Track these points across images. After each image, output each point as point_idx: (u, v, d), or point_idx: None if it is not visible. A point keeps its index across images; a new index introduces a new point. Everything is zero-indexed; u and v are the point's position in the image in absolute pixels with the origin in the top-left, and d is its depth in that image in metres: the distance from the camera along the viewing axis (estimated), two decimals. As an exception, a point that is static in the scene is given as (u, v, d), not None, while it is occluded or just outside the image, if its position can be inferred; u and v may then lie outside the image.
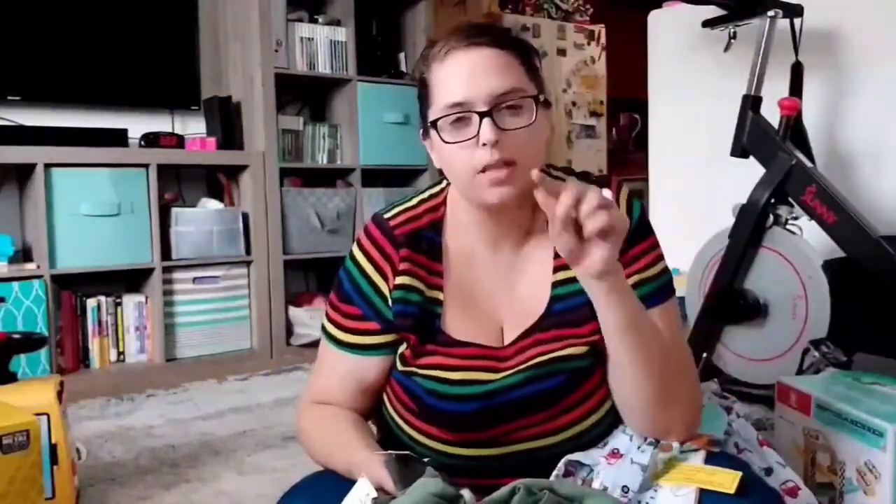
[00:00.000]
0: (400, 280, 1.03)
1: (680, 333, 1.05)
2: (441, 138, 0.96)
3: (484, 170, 0.94)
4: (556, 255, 1.01)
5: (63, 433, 1.51)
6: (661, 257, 1.05)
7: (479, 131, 0.93)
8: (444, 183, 1.09)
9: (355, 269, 1.07)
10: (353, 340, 1.07)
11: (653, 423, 0.97)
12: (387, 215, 1.07)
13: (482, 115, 0.93)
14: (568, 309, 1.01)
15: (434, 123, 0.97)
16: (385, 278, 1.04)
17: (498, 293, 1.05)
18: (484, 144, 0.93)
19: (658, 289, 1.02)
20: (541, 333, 1.01)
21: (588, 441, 1.02)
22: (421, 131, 1.03)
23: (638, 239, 1.02)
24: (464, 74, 0.94)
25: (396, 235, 1.05)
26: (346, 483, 0.93)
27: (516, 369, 1.01)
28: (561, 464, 0.98)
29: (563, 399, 1.00)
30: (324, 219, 3.16)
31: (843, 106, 2.32)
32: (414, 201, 1.09)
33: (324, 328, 1.10)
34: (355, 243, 1.09)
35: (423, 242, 1.05)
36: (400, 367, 1.04)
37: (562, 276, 1.02)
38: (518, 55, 0.98)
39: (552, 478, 0.96)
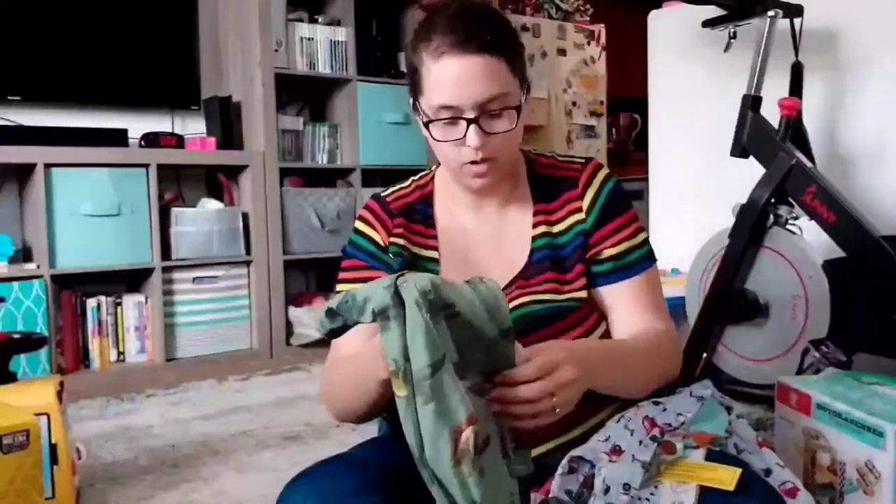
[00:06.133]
0: (394, 240, 1.16)
1: (659, 299, 1.16)
2: (432, 136, 1.07)
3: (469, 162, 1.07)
4: (535, 214, 1.15)
5: (63, 433, 1.51)
6: (642, 228, 1.17)
7: (465, 134, 1.04)
8: (433, 168, 1.23)
9: (357, 235, 1.19)
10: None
11: (630, 397, 1.09)
12: (383, 194, 1.22)
13: (469, 121, 1.03)
14: (546, 258, 1.13)
15: (427, 125, 1.07)
16: (381, 237, 1.17)
17: (486, 252, 1.16)
18: (470, 146, 1.04)
19: (645, 255, 1.15)
20: (523, 281, 1.12)
21: None
22: (410, 101, 1.12)
23: (620, 211, 1.14)
24: (454, 80, 1.03)
25: (392, 209, 1.18)
26: (347, 473, 0.98)
27: None
28: (564, 461, 0.99)
29: (542, 330, 1.09)
30: (324, 219, 3.17)
31: (844, 106, 2.32)
32: (406, 182, 1.23)
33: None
34: (356, 218, 1.22)
35: (416, 214, 1.18)
36: None
37: (540, 230, 1.14)
38: (505, 56, 1.04)
39: (556, 476, 0.97)
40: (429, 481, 0.82)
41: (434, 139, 1.07)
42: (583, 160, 1.18)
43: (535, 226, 1.15)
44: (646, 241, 1.16)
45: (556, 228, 1.14)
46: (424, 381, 0.80)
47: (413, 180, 1.23)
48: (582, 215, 1.13)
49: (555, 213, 1.15)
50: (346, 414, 1.10)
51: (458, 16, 1.04)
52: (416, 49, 1.06)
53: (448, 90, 1.03)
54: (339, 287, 1.17)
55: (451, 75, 1.02)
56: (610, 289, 1.13)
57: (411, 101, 1.12)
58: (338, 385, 1.11)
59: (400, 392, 0.82)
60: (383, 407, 1.04)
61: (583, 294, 1.11)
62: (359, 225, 1.20)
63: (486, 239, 1.16)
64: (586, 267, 1.12)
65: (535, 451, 1.04)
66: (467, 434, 0.80)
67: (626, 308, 1.13)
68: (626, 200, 1.16)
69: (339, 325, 0.87)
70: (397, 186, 1.22)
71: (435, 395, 0.80)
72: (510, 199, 1.16)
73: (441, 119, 1.05)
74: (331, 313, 0.86)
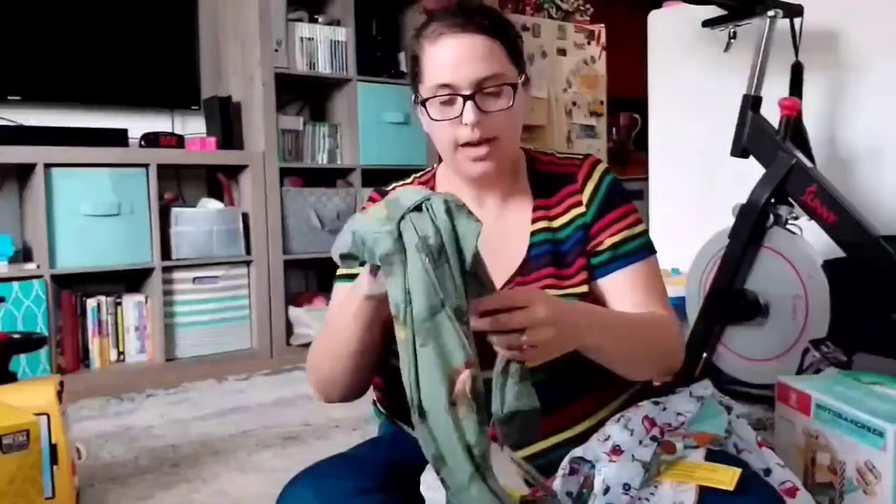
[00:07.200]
0: None
1: (659, 288, 1.15)
2: (429, 115, 1.08)
3: (466, 144, 1.07)
4: (534, 209, 1.16)
5: (63, 433, 1.51)
6: (641, 220, 1.17)
7: (462, 112, 1.05)
8: (435, 165, 1.25)
9: None
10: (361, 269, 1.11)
11: (632, 376, 1.10)
12: (385, 188, 1.21)
13: (466, 98, 1.04)
14: (545, 253, 1.13)
15: (424, 102, 1.09)
16: None
17: (486, 247, 1.13)
18: (466, 124, 1.05)
19: (643, 244, 1.15)
20: (521, 277, 1.12)
21: (570, 378, 1.05)
22: (412, 97, 1.13)
23: (619, 203, 1.15)
24: (452, 59, 1.05)
25: None
26: (348, 472, 0.99)
27: None
28: (565, 462, 0.99)
29: None
30: (324, 219, 3.16)
31: (844, 106, 2.32)
32: (409, 179, 1.25)
33: (335, 278, 1.17)
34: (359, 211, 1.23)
35: None
36: None
37: (539, 226, 1.15)
38: (503, 41, 1.07)
39: (558, 476, 0.98)
40: (417, 424, 0.81)
41: (431, 119, 1.08)
42: (581, 157, 1.19)
43: (534, 221, 1.15)
44: (644, 233, 1.17)
45: (556, 223, 1.14)
46: (422, 323, 0.81)
47: (415, 177, 1.25)
48: (582, 208, 1.14)
49: (554, 209, 1.15)
50: (328, 378, 1.08)
51: (459, 7, 1.08)
52: (417, 38, 1.10)
53: (446, 68, 1.05)
54: (338, 273, 1.17)
55: (448, 54, 1.05)
56: (608, 278, 1.12)
57: (413, 96, 1.13)
58: (320, 346, 1.10)
59: (400, 334, 0.83)
60: (363, 368, 1.05)
61: (583, 289, 1.10)
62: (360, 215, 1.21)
63: (487, 235, 1.15)
64: (587, 260, 1.12)
65: (537, 447, 1.04)
66: (464, 377, 0.80)
67: (624, 295, 1.12)
68: (624, 194, 1.17)
69: (358, 264, 0.91)
70: (399, 182, 1.24)
71: (432, 338, 0.81)
72: (510, 194, 1.17)
73: (438, 97, 1.06)
74: (346, 258, 0.89)
